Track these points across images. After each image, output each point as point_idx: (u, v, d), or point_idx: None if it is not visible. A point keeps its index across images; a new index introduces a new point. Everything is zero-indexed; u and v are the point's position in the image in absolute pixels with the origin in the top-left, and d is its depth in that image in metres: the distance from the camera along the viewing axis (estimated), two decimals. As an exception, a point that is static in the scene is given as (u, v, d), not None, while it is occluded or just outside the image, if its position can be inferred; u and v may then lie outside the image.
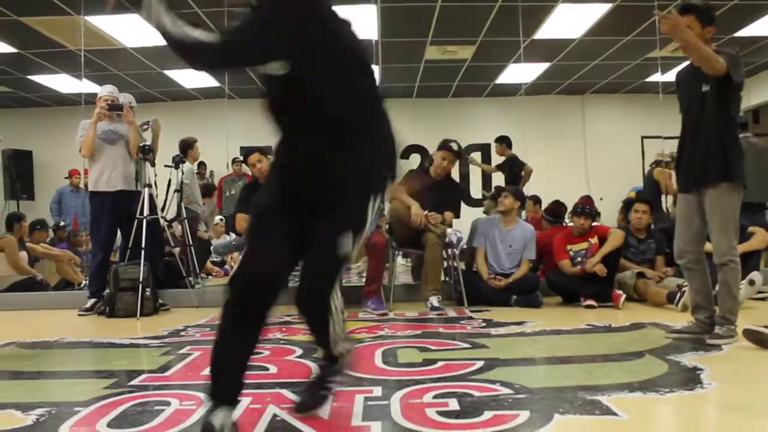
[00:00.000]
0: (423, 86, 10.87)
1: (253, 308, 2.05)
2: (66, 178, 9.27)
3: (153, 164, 5.62)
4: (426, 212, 5.11)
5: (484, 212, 7.69)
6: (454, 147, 5.38)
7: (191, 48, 1.92)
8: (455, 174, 6.36)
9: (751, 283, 4.96)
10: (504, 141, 8.35)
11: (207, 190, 8.55)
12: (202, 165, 8.07)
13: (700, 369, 2.89)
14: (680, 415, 2.31)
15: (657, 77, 10.35)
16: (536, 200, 8.01)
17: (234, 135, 10.85)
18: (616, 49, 9.24)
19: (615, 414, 2.27)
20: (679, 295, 4.75)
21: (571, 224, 5.64)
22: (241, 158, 9.12)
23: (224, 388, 2.02)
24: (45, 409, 2.46)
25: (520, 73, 10.14)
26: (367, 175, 2.08)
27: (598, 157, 11.56)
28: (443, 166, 5.37)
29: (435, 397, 2.54)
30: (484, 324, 4.38)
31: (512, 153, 8.29)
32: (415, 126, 9.58)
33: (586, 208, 5.50)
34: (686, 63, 3.76)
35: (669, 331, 3.85)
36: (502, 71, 10.37)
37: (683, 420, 2.25)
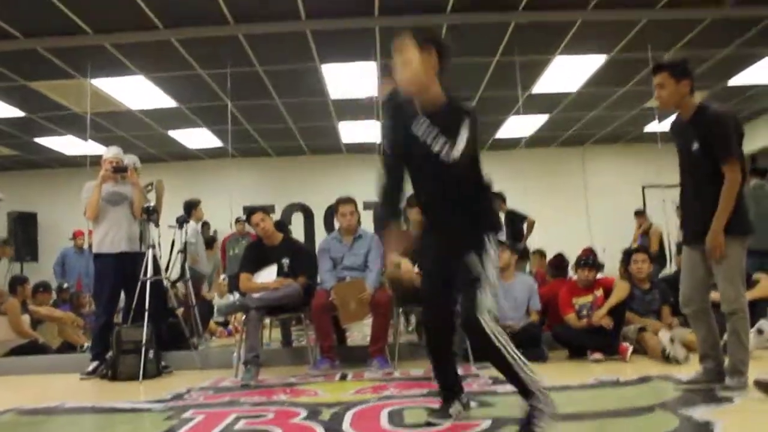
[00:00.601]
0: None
1: (441, 340, 3.12)
2: (70, 239, 9.31)
3: (157, 225, 5.64)
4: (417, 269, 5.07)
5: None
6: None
7: None
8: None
9: (760, 332, 4.90)
10: (497, 197, 8.34)
11: (208, 243, 8.57)
12: (205, 225, 8.12)
13: (713, 423, 2.83)
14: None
15: (654, 126, 10.49)
16: (542, 254, 7.99)
17: (237, 194, 10.97)
18: (614, 100, 9.38)
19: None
20: (668, 350, 4.71)
21: (575, 277, 5.61)
22: (245, 217, 9.17)
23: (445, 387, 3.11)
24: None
25: (519, 126, 10.27)
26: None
27: (599, 208, 11.60)
28: (419, 220, 5.32)
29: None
30: (490, 381, 4.31)
31: (509, 208, 8.27)
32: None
33: (590, 259, 5.48)
34: (676, 114, 3.79)
35: (679, 383, 3.80)
36: (501, 125, 10.50)
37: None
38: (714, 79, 8.51)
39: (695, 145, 3.52)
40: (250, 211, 5.46)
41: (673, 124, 3.83)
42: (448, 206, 2.93)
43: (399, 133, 2.92)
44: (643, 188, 11.33)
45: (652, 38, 7.14)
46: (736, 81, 8.67)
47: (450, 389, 3.13)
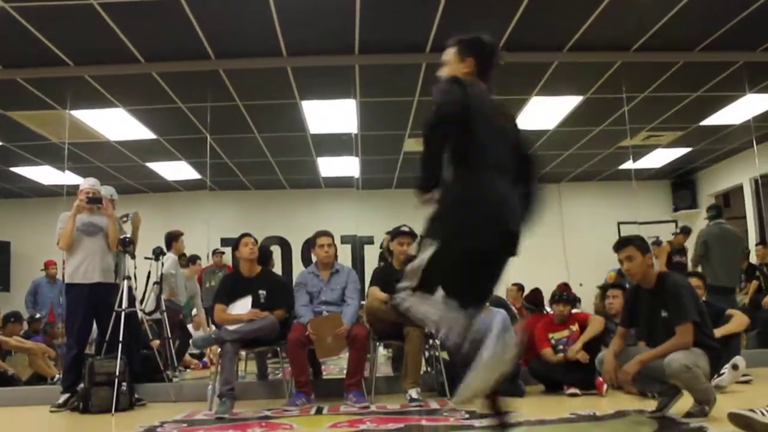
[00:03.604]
0: (402, 177, 11.07)
1: None
2: (42, 269, 9.18)
3: (133, 256, 5.62)
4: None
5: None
6: (406, 229, 5.42)
7: None
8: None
9: (735, 367, 4.96)
10: None
11: (191, 260, 8.44)
12: (182, 257, 8.06)
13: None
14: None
15: (629, 165, 10.68)
16: (520, 287, 8.03)
17: (215, 226, 10.90)
18: (589, 139, 9.55)
19: None
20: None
21: (552, 312, 5.65)
22: (222, 250, 9.13)
23: None
24: None
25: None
26: None
27: (575, 243, 11.72)
28: (403, 251, 5.37)
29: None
30: (467, 416, 4.31)
31: None
32: (396, 215, 9.69)
33: (564, 294, 5.54)
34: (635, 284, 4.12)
35: (649, 414, 3.96)
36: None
37: None
38: (687, 119, 8.73)
39: (663, 313, 3.85)
40: (241, 235, 5.42)
41: (631, 292, 4.18)
42: None
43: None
44: (619, 224, 11.45)
45: (627, 79, 7.33)
46: (708, 122, 8.89)
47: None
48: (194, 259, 8.45)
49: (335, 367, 6.97)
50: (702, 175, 11.75)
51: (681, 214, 11.57)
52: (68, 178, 9.16)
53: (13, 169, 10.14)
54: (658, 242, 8.48)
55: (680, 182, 11.92)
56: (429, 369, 5.72)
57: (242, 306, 5.15)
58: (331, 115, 8.04)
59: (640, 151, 10.10)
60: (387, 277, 5.18)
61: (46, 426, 4.58)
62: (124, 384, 5.02)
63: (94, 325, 5.55)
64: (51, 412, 5.10)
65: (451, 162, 2.66)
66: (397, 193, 11.42)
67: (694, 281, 6.04)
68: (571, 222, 12.12)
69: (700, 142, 9.92)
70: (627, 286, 5.73)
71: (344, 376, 5.18)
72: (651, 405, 4.09)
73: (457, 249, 2.57)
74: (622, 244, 4.01)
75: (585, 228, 11.82)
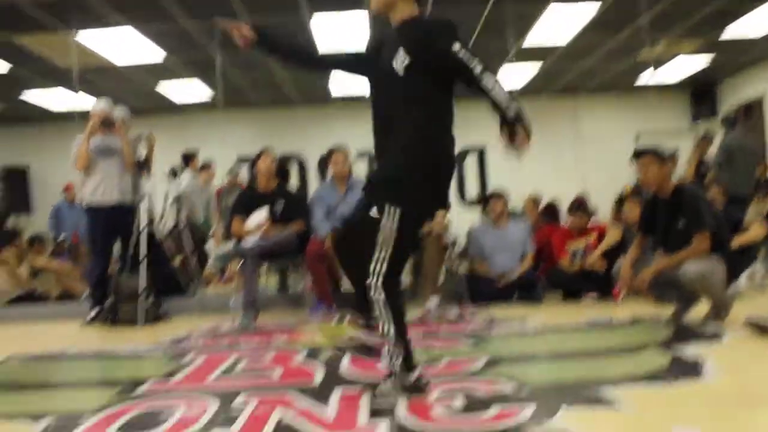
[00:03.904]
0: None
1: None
2: (62, 193, 9.28)
3: (149, 176, 5.63)
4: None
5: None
6: None
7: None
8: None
9: (752, 275, 4.99)
10: None
11: (201, 168, 8.39)
12: (204, 168, 8.07)
13: (703, 360, 2.90)
14: (683, 405, 2.32)
15: (648, 76, 10.44)
16: (535, 201, 8.01)
17: (230, 146, 10.91)
18: (608, 49, 9.29)
19: (619, 406, 2.29)
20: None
21: (569, 223, 5.66)
22: (237, 169, 9.11)
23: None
24: (53, 418, 2.47)
25: (511, 76, 10.18)
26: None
27: (592, 156, 11.62)
28: None
29: (440, 394, 2.55)
30: (486, 322, 4.40)
31: None
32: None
33: (581, 205, 5.54)
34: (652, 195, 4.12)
35: (666, 321, 4.01)
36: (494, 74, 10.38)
37: (686, 411, 2.26)
38: (707, 30, 8.44)
39: (680, 223, 3.83)
40: (260, 151, 5.40)
41: (649, 201, 4.16)
42: (384, 136, 2.62)
43: (369, 51, 2.78)
44: (637, 135, 11.32)
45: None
46: (728, 32, 8.59)
47: None
48: (207, 166, 8.38)
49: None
50: (723, 85, 11.47)
51: (700, 125, 11.37)
52: (79, 102, 9.12)
53: (25, 95, 10.10)
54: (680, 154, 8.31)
55: (700, 93, 11.62)
56: (448, 278, 5.78)
57: (258, 217, 5.18)
58: (341, 29, 7.82)
59: (659, 62, 9.84)
60: None
61: (79, 339, 4.73)
62: (149, 299, 5.16)
63: (117, 244, 5.64)
64: (82, 326, 5.26)
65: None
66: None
67: (715, 190, 6.02)
68: (587, 134, 11.99)
69: (721, 52, 9.63)
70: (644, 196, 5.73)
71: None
72: (667, 312, 4.15)
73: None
74: (639, 154, 3.99)
75: (601, 140, 11.70)
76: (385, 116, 2.60)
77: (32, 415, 2.53)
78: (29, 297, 6.21)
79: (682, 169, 7.54)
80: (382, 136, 2.62)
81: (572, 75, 10.63)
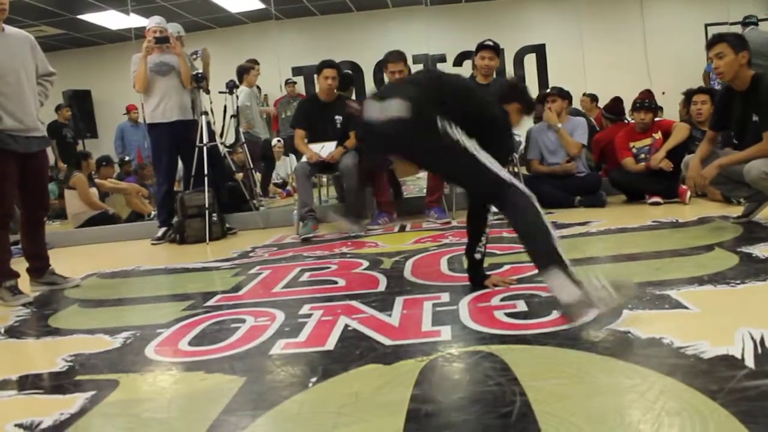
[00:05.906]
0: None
1: None
2: (124, 114, 9.46)
3: (207, 92, 5.66)
4: None
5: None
6: (491, 43, 5.19)
7: None
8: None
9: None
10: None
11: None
12: (257, 89, 8.09)
13: (773, 259, 2.82)
14: (752, 306, 2.27)
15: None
16: (593, 98, 7.72)
17: (285, 56, 10.80)
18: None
19: (685, 307, 2.26)
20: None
21: (633, 121, 5.46)
22: (294, 80, 9.07)
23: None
24: (130, 332, 2.60)
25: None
26: None
27: (658, 50, 11.03)
28: (486, 65, 5.18)
29: (503, 299, 2.56)
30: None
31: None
32: (467, 30, 9.33)
33: (646, 102, 5.30)
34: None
35: (733, 220, 3.89)
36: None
37: (755, 311, 2.21)
38: None
39: (755, 117, 3.60)
40: (326, 64, 5.34)
41: (723, 95, 3.89)
42: None
43: None
44: (706, 26, 10.66)
45: None
46: None
47: None
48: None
49: (415, 186, 7.08)
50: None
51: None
52: (134, 21, 9.12)
53: (80, 16, 10.16)
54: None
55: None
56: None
57: (328, 149, 5.15)
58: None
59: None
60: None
61: (150, 257, 4.93)
62: (215, 215, 5.30)
63: (180, 162, 5.77)
64: (152, 244, 5.48)
65: None
66: (467, 7, 10.89)
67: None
68: (653, 27, 11.36)
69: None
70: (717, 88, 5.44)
71: (424, 195, 5.27)
72: (736, 211, 4.01)
73: None
74: (714, 42, 3.72)
75: (669, 33, 11.08)
76: None
77: (111, 330, 2.67)
78: (101, 218, 6.47)
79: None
80: None
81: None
